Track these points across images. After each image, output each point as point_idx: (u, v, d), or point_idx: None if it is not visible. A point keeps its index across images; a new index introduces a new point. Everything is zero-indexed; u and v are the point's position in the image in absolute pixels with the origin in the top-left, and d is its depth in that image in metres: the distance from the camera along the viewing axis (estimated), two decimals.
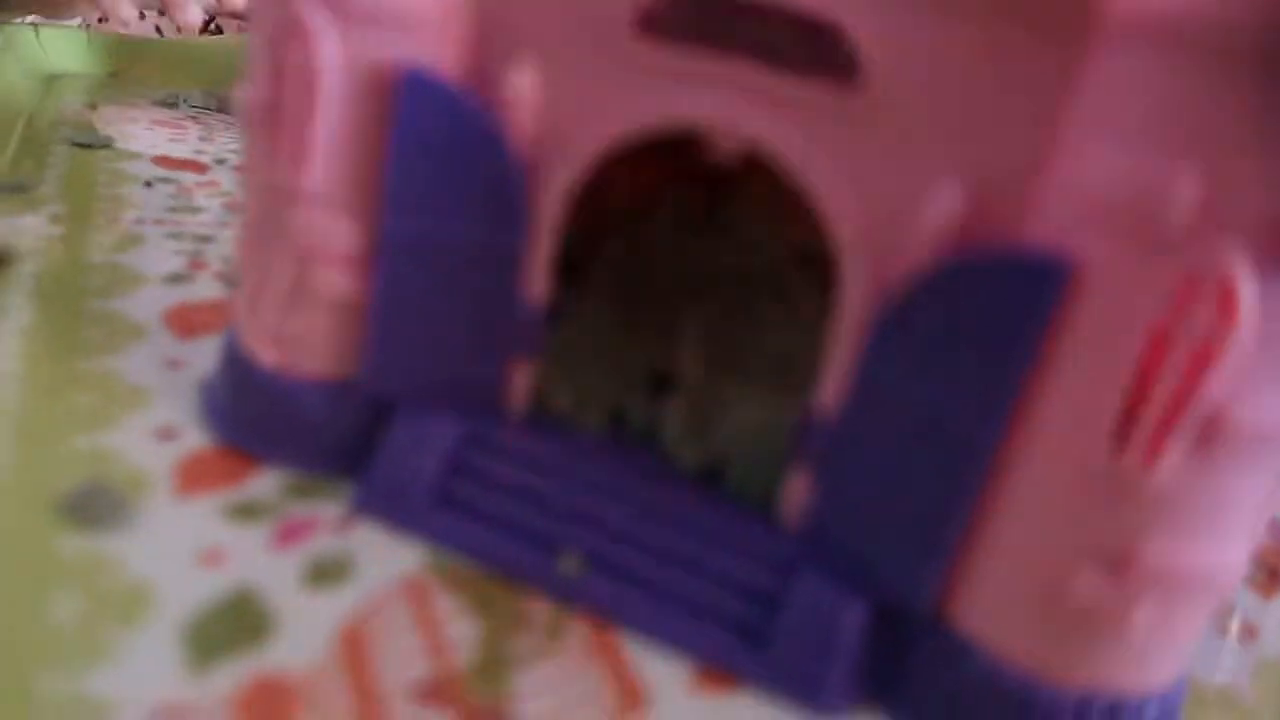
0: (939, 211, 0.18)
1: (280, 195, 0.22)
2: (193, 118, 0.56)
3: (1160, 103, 0.15)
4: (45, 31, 0.62)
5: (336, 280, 0.23)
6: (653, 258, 0.24)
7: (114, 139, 0.48)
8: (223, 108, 0.59)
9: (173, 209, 0.40)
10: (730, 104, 0.19)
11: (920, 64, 0.18)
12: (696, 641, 0.20)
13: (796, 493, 0.21)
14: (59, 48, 0.62)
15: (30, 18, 0.67)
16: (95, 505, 0.22)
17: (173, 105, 0.57)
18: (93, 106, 0.53)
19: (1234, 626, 0.27)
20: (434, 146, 0.21)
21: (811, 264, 0.22)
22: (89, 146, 0.46)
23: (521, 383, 0.23)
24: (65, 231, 0.36)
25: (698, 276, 0.23)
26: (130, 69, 0.63)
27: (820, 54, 0.19)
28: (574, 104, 0.21)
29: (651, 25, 0.20)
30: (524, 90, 0.21)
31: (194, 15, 0.64)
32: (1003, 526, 0.18)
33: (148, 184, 0.42)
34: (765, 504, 0.22)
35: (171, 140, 0.50)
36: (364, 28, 0.21)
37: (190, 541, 0.21)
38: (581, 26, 0.20)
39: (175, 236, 0.37)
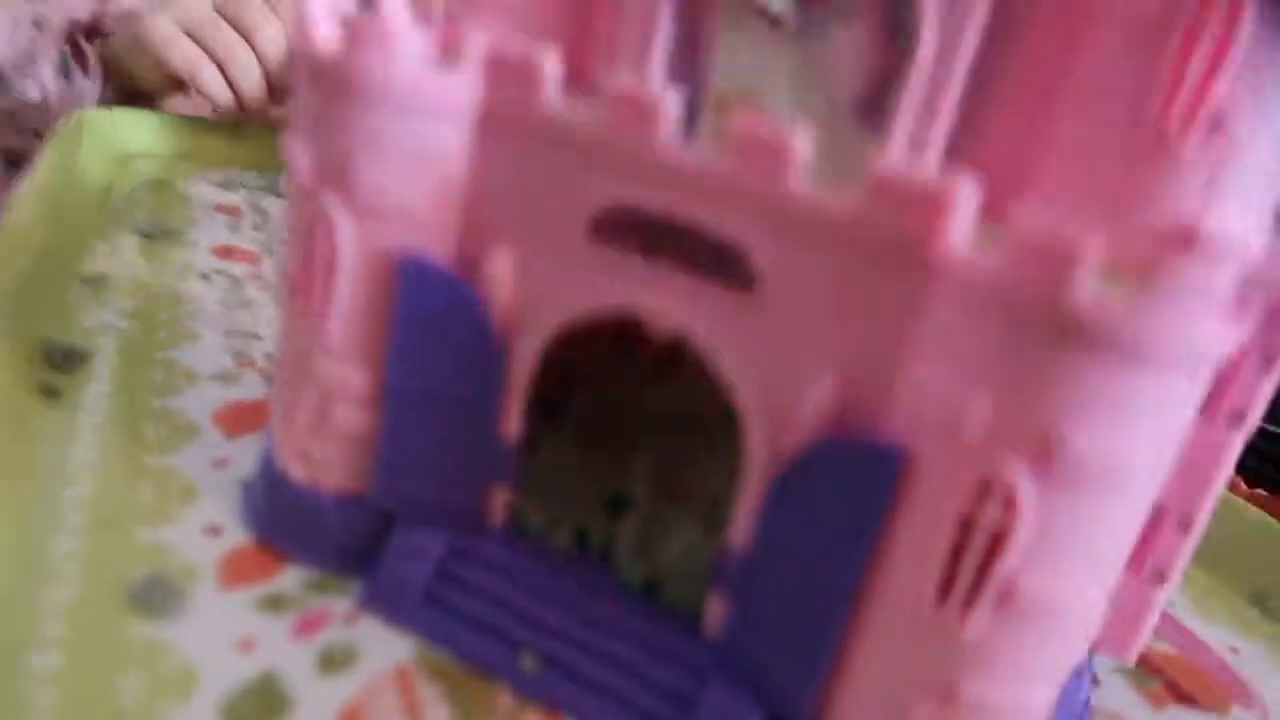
0: (816, 398, 0.22)
1: (307, 347, 0.27)
2: (250, 201, 0.62)
3: (966, 340, 0.20)
4: (119, 113, 0.69)
5: (351, 417, 0.28)
6: (613, 403, 0.29)
7: (177, 229, 0.54)
8: (277, 189, 0.65)
9: (224, 303, 0.45)
10: (659, 298, 0.24)
11: (803, 281, 0.22)
12: None
13: (715, 612, 0.25)
14: (133, 129, 0.69)
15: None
16: (156, 595, 0.27)
17: (232, 188, 0.64)
18: (160, 194, 0.59)
19: None
20: (428, 317, 0.26)
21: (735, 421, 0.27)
22: (154, 237, 0.52)
23: (499, 504, 0.28)
24: (133, 328, 0.42)
25: (650, 421, 0.28)
26: (201, 149, 0.70)
27: (730, 265, 0.23)
28: (539, 288, 0.26)
29: (600, 231, 0.25)
30: (500, 274, 0.26)
31: (274, 29, 0.70)
32: (862, 658, 0.23)
33: (204, 277, 0.48)
34: (694, 618, 0.26)
35: (229, 228, 0.56)
36: (375, 222, 0.26)
37: (230, 630, 0.27)
38: (544, 228, 0.25)
39: (227, 333, 0.42)
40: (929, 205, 0.20)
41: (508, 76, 0.24)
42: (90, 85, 0.74)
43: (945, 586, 0.20)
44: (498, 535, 0.28)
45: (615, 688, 0.25)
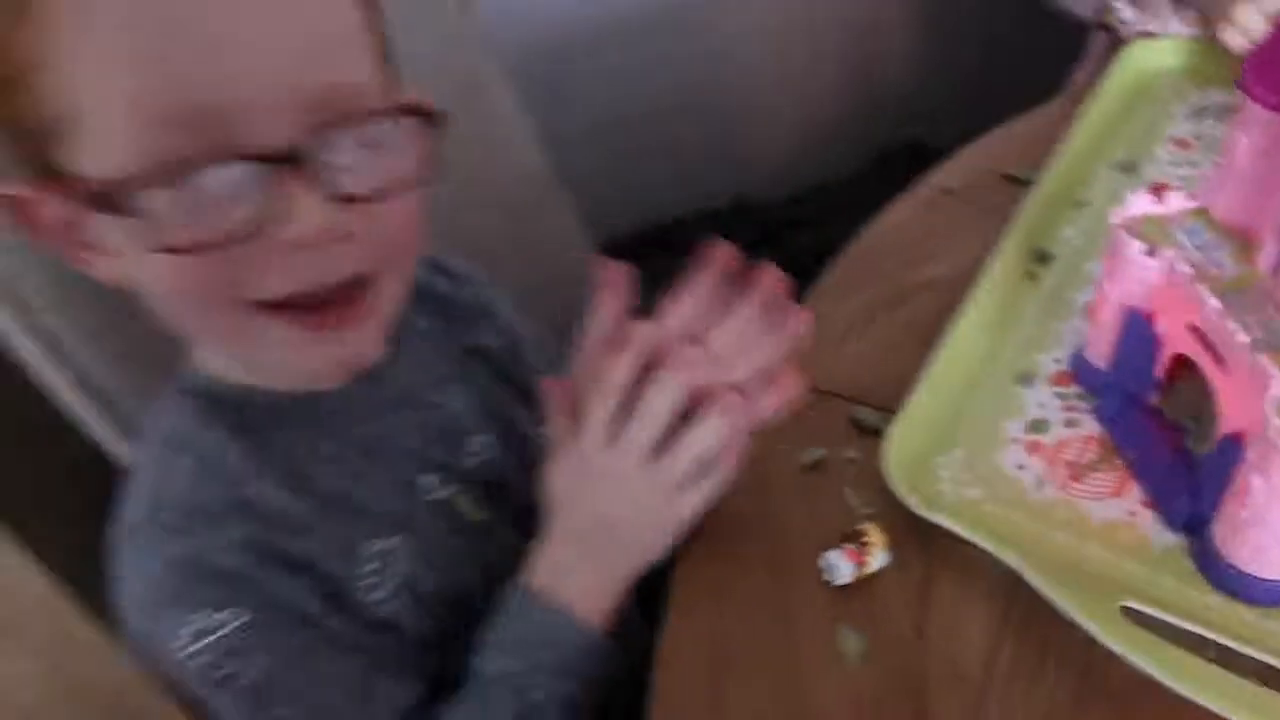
0: (1222, 428, 0.62)
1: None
2: (1207, 133, 0.97)
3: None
4: (1156, 41, 1.07)
5: (1102, 351, 0.74)
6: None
7: (1138, 164, 0.95)
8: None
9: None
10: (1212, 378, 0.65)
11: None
12: None
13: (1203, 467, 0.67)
14: (1160, 54, 1.07)
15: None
16: (1026, 380, 0.79)
17: (1203, 116, 1.00)
18: None
19: None
20: (1133, 331, 0.70)
21: None
22: (1126, 169, 0.95)
23: (1153, 402, 0.72)
24: (1080, 237, 0.89)
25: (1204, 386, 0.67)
26: (1210, 71, 1.04)
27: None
28: (1171, 340, 0.67)
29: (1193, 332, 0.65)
30: (1161, 329, 0.68)
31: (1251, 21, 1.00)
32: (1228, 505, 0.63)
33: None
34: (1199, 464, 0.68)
35: (1170, 163, 0.95)
36: (1123, 299, 0.70)
37: (1039, 408, 0.77)
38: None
39: None
40: None
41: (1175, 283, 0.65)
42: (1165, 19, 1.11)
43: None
44: (1152, 407, 0.72)
45: (1160, 472, 0.69)
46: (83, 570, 1.32)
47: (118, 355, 0.90)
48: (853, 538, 0.69)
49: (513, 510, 0.72)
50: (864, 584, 0.68)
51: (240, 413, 0.63)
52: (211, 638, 0.55)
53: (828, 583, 0.68)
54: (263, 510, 0.60)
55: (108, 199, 0.48)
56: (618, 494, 0.59)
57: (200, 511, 0.59)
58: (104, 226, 0.52)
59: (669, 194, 1.76)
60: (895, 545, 0.69)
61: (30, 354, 0.90)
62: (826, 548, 0.69)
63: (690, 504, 0.62)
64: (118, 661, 1.43)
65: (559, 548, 0.62)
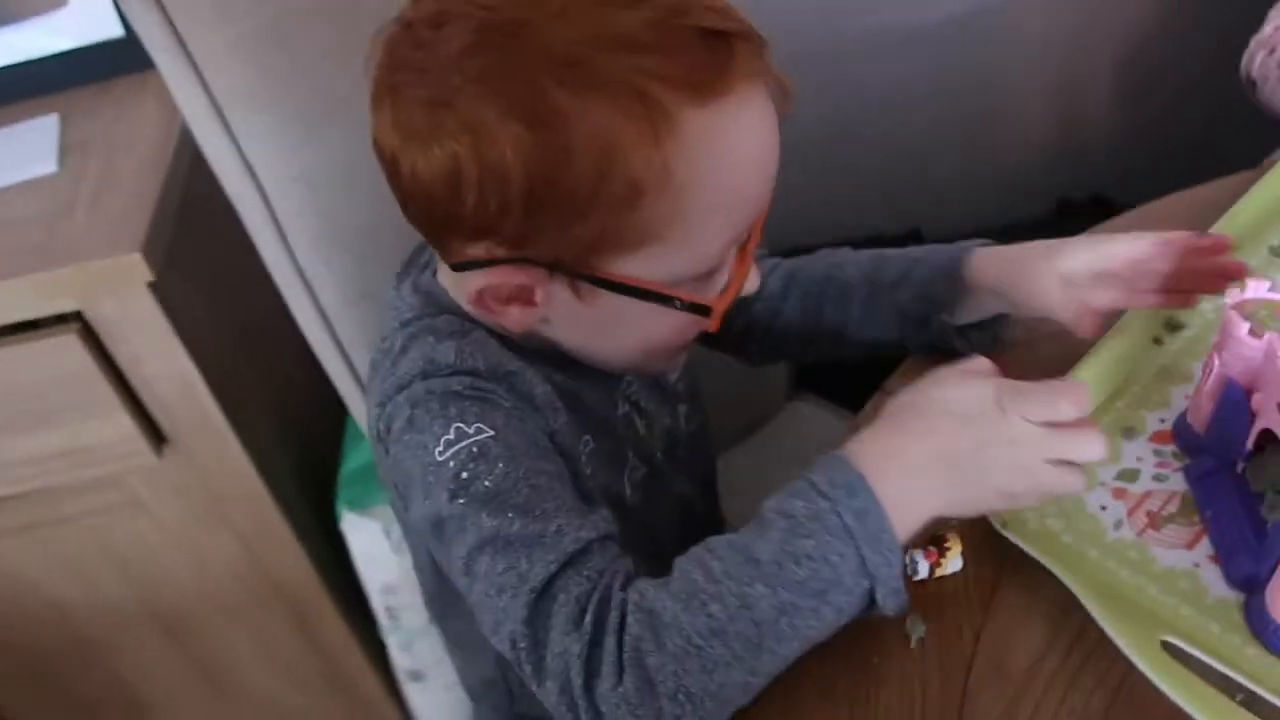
0: None
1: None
2: None
3: None
4: None
5: (1201, 416, 0.80)
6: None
7: None
8: None
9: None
10: None
11: None
12: None
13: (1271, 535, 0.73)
14: None
15: None
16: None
17: None
18: None
19: None
20: (1229, 402, 0.76)
21: None
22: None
23: (1240, 468, 0.77)
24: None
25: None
26: None
27: None
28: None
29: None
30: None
31: None
32: None
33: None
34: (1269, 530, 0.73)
35: None
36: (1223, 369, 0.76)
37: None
38: None
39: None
40: None
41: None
42: None
43: None
44: (1238, 473, 0.77)
45: (1231, 531, 0.75)
46: (284, 475, 1.55)
47: (347, 291, 1.09)
48: (935, 541, 0.78)
49: (659, 434, 0.89)
50: (938, 583, 0.77)
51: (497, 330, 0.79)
52: (460, 445, 0.66)
53: (910, 576, 0.78)
54: (517, 385, 0.71)
55: (656, 295, 0.68)
56: (994, 441, 0.66)
57: (466, 369, 0.70)
58: (560, 299, 0.70)
59: (847, 217, 1.84)
60: (972, 555, 0.78)
61: (286, 283, 1.10)
62: (914, 548, 0.78)
63: (1029, 494, 0.70)
64: (304, 560, 1.64)
65: (891, 438, 0.68)
